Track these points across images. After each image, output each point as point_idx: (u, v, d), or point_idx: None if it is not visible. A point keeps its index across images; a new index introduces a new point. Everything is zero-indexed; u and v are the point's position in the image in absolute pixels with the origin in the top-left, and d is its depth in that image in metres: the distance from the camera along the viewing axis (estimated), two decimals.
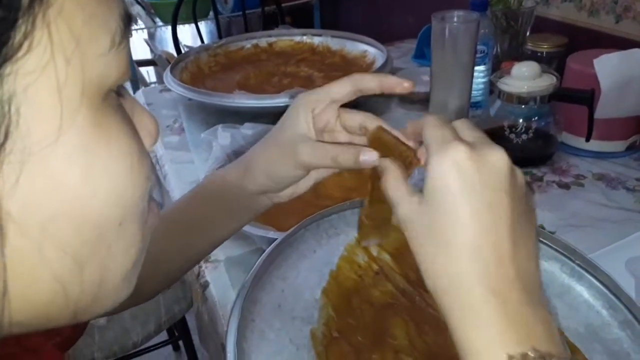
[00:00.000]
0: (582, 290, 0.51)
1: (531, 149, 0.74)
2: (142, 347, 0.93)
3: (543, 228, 0.61)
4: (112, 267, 0.21)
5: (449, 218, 0.27)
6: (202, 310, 0.61)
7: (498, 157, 0.28)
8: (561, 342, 0.27)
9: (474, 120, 0.84)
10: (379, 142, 0.37)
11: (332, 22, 1.72)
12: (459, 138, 0.28)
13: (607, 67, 0.72)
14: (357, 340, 0.47)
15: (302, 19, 1.74)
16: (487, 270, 0.26)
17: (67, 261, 0.18)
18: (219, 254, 0.63)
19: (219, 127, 0.80)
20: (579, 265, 0.52)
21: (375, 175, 0.36)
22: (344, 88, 0.38)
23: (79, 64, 0.17)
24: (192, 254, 0.46)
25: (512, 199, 0.27)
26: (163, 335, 1.15)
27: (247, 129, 0.80)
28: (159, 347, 1.09)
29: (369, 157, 0.35)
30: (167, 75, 0.97)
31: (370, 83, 0.38)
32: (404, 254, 0.55)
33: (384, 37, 1.09)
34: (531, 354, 0.24)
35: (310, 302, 0.49)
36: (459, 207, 0.26)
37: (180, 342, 1.16)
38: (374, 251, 0.55)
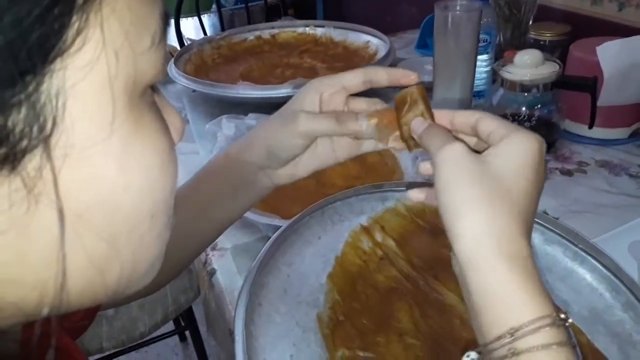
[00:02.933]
0: (585, 274, 0.52)
1: None
2: (149, 337, 0.94)
3: (546, 214, 0.61)
4: (143, 255, 0.22)
5: (515, 183, 0.29)
6: (210, 297, 0.62)
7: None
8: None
9: (479, 109, 0.85)
10: (404, 100, 0.38)
11: (335, 14, 1.72)
12: None
13: (610, 54, 0.72)
14: (362, 323, 0.47)
15: (304, 11, 1.74)
16: (517, 235, 0.28)
17: (103, 249, 0.19)
18: (225, 242, 0.64)
19: (223, 117, 0.81)
20: (582, 249, 0.53)
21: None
22: (356, 78, 0.39)
23: (124, 62, 0.18)
24: (200, 240, 0.47)
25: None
26: (170, 326, 1.16)
27: (251, 120, 0.80)
28: (165, 337, 1.11)
29: (368, 123, 0.37)
30: (172, 67, 0.97)
31: (381, 76, 0.39)
32: (408, 240, 0.56)
33: (386, 27, 1.09)
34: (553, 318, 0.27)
35: (316, 286, 0.50)
36: (530, 180, 0.29)
37: (187, 333, 1.17)
38: (378, 237, 0.56)
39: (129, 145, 0.19)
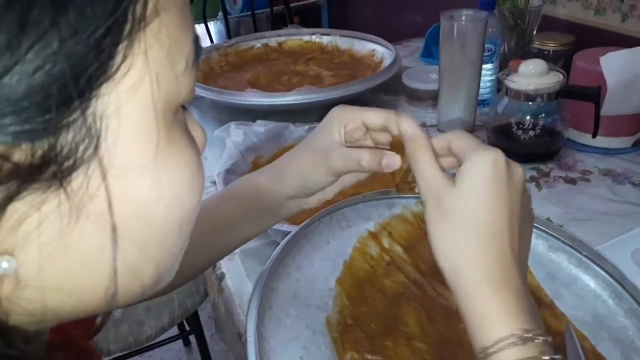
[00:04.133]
0: (589, 280, 0.52)
1: (538, 145, 0.76)
2: (154, 341, 0.95)
3: (550, 221, 0.62)
4: (167, 262, 0.23)
5: (474, 203, 0.31)
6: (219, 301, 0.63)
7: (520, 170, 0.33)
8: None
9: (482, 117, 0.86)
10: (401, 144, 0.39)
11: (340, 22, 1.73)
12: None
13: (614, 64, 0.74)
14: (371, 327, 0.48)
15: (310, 19, 1.76)
16: (490, 258, 0.31)
17: (138, 257, 0.21)
18: None
19: (232, 124, 0.82)
20: (585, 256, 0.54)
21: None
22: (378, 119, 0.40)
23: (163, 84, 0.19)
24: (217, 251, 0.48)
25: (522, 204, 0.32)
26: (174, 331, 1.17)
27: (259, 127, 0.82)
28: (170, 342, 1.11)
29: (392, 161, 0.37)
30: None
31: (402, 129, 0.36)
32: (414, 246, 0.57)
33: (390, 36, 1.10)
34: (527, 334, 0.29)
35: (325, 290, 0.51)
36: (487, 195, 0.31)
37: (192, 338, 1.17)
38: (386, 243, 0.57)
39: (163, 162, 0.20)
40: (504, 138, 0.77)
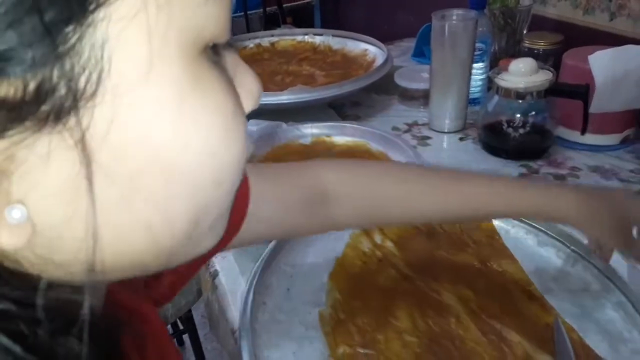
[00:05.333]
0: (578, 274, 0.53)
1: (528, 143, 0.77)
2: None
3: None
4: (204, 221, 0.21)
5: None
6: (212, 298, 0.63)
7: None
8: None
9: (473, 116, 0.87)
10: None
11: (333, 22, 1.74)
12: None
13: (602, 62, 0.75)
14: (363, 321, 0.49)
15: (303, 19, 1.76)
16: None
17: (156, 213, 0.19)
18: None
19: None
20: (574, 250, 0.55)
21: None
22: None
23: (174, 12, 0.17)
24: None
25: None
26: (168, 330, 1.17)
27: (252, 126, 0.82)
28: None
29: None
30: None
31: None
32: (406, 242, 0.58)
33: (382, 36, 1.11)
34: None
35: (318, 286, 0.51)
36: None
37: (185, 337, 1.17)
38: (378, 239, 0.57)
39: (185, 102, 0.18)
40: (494, 136, 0.78)
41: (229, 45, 0.21)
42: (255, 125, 0.83)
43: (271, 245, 0.51)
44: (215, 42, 0.19)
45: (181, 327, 1.15)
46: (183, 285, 0.40)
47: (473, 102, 0.89)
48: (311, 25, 1.77)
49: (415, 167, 0.55)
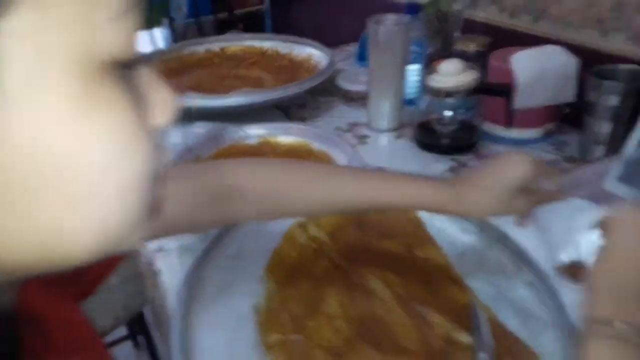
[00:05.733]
0: (495, 257, 0.58)
1: (457, 139, 0.82)
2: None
3: None
4: (112, 229, 0.22)
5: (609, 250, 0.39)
6: (155, 297, 0.65)
7: None
8: None
9: (410, 115, 0.91)
10: None
11: (283, 28, 1.77)
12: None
13: (523, 62, 0.80)
14: (295, 309, 0.52)
15: (253, 26, 1.79)
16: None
17: (62, 220, 0.20)
18: (170, 242, 0.67)
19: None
20: (492, 236, 0.59)
21: None
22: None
23: (69, 30, 0.18)
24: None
25: None
26: (123, 331, 1.17)
27: (199, 128, 0.84)
28: (118, 344, 1.11)
29: None
30: None
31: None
32: (340, 233, 0.61)
33: (330, 41, 1.15)
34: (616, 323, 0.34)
35: (255, 278, 0.54)
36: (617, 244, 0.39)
37: (141, 338, 1.18)
38: (313, 231, 0.61)
39: (81, 116, 0.19)
40: (426, 133, 0.83)
41: (144, 60, 0.22)
42: (202, 128, 0.85)
43: (209, 239, 0.54)
44: (118, 59, 0.20)
45: (133, 329, 1.15)
46: (101, 279, 0.42)
47: (410, 102, 0.94)
48: (262, 31, 1.79)
49: (314, 165, 0.60)
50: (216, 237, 0.54)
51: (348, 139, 0.90)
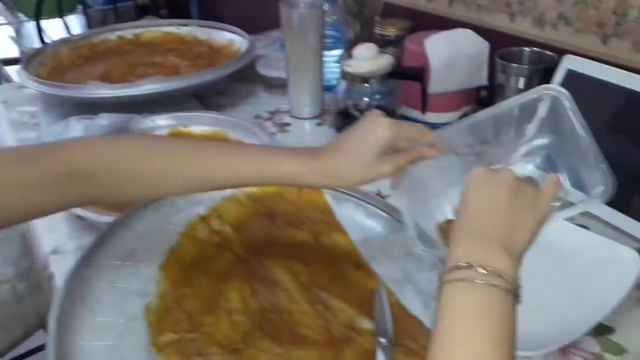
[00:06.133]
0: (401, 241, 0.57)
1: None
2: (18, 353, 0.89)
3: (380, 194, 0.67)
4: None
5: (463, 206, 0.39)
6: (51, 301, 0.61)
7: (506, 174, 0.39)
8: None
9: (331, 101, 0.90)
10: None
11: (209, 14, 1.71)
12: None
13: (436, 46, 0.81)
14: (192, 307, 0.49)
15: (178, 11, 1.71)
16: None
17: None
18: (68, 244, 0.63)
19: (72, 118, 0.79)
20: (397, 220, 0.59)
21: None
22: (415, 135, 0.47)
23: None
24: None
25: (513, 196, 0.38)
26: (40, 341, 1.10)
27: (103, 120, 0.79)
28: (35, 353, 1.05)
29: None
30: (20, 70, 0.92)
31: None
32: (245, 225, 0.59)
33: (257, 26, 1.12)
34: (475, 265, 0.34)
35: (148, 278, 0.51)
36: (472, 199, 0.39)
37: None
38: (216, 225, 0.58)
39: None
40: (345, 120, 0.82)
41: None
42: (106, 120, 0.79)
43: (93, 240, 0.50)
44: None
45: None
46: None
47: (330, 89, 0.92)
48: (187, 17, 1.73)
49: (168, 140, 0.58)
50: (101, 237, 0.51)
51: (268, 127, 0.87)
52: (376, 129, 0.44)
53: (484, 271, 0.34)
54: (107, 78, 0.97)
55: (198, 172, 0.44)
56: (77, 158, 0.42)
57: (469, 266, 0.34)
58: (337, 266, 0.55)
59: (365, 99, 0.80)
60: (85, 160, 0.42)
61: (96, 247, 0.50)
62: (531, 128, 0.49)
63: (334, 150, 0.45)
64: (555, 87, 0.46)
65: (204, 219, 0.57)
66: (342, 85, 0.81)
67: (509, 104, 0.47)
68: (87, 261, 0.48)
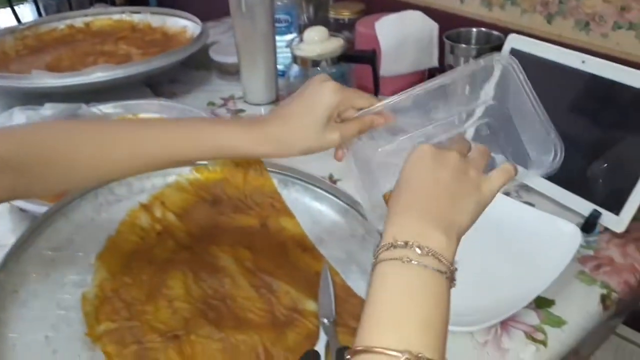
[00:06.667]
0: (347, 223, 0.58)
1: None
2: None
3: (331, 179, 0.67)
4: None
5: (404, 182, 0.37)
6: None
7: (451, 154, 0.37)
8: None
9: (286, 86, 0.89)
10: None
11: (168, 1, 1.67)
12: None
13: (386, 28, 0.80)
14: (132, 296, 0.48)
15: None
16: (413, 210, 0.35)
17: None
18: (8, 236, 0.61)
19: (15, 109, 0.76)
20: (345, 202, 0.59)
21: None
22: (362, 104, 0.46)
23: None
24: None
25: (453, 179, 0.36)
26: None
27: (47, 110, 0.77)
28: None
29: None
30: None
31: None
32: (189, 212, 0.58)
33: (216, 13, 1.09)
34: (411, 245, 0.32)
35: (85, 267, 0.50)
36: (411, 177, 0.37)
37: None
38: (158, 213, 0.57)
39: None
40: None
41: None
42: (51, 110, 0.77)
43: (25, 230, 0.49)
44: None
45: None
46: None
47: (285, 74, 0.91)
48: (145, 4, 1.68)
49: (94, 122, 0.57)
50: (34, 227, 0.49)
51: (221, 113, 0.86)
52: (322, 93, 0.43)
53: (420, 251, 0.32)
54: (55, 68, 0.94)
55: (126, 152, 0.42)
56: (4, 147, 0.40)
57: (405, 245, 0.32)
58: (284, 250, 0.55)
59: None
60: (8, 149, 0.40)
61: (30, 238, 0.49)
62: (478, 96, 0.49)
63: (278, 117, 0.44)
64: (505, 55, 0.45)
65: (145, 207, 0.56)
66: (294, 70, 0.81)
67: (457, 72, 0.46)
68: (20, 252, 0.47)
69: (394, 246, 0.33)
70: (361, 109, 0.46)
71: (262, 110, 0.87)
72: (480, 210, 0.37)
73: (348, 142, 0.46)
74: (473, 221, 0.37)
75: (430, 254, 0.32)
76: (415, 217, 0.34)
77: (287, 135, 0.43)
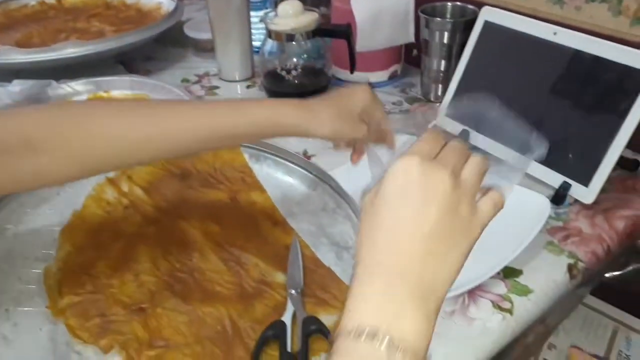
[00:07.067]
0: (318, 196, 0.57)
1: (305, 85, 0.80)
2: None
3: (306, 154, 0.67)
4: None
5: (380, 214, 0.30)
6: None
7: (440, 175, 0.30)
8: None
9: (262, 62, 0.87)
10: None
11: None
12: (424, 152, 0.31)
13: (362, 2, 0.79)
14: (97, 270, 0.48)
15: None
16: (391, 262, 0.29)
17: None
18: None
19: None
20: (316, 176, 0.59)
21: None
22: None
23: None
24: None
25: (443, 213, 0.29)
26: None
27: (16, 86, 0.75)
28: None
29: None
30: None
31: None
32: (156, 186, 0.57)
33: None
34: (382, 337, 0.26)
35: (49, 242, 0.49)
36: (392, 207, 0.29)
37: None
38: (125, 187, 0.56)
39: None
40: (274, 81, 0.80)
41: None
42: (18, 86, 0.75)
43: None
44: None
45: None
46: None
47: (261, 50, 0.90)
48: None
49: (130, 101, 0.56)
50: None
51: (196, 90, 0.85)
52: (356, 89, 0.49)
53: (390, 347, 0.26)
54: (25, 45, 0.92)
55: (190, 127, 0.42)
56: (34, 124, 0.38)
57: (373, 337, 0.26)
58: (254, 224, 0.54)
59: (294, 59, 0.78)
60: (44, 126, 0.38)
61: None
62: None
63: (324, 103, 0.47)
64: None
65: (111, 181, 0.56)
66: (269, 45, 0.79)
67: None
68: None
69: (358, 334, 0.26)
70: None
71: (238, 87, 0.86)
72: (464, 261, 0.31)
73: (366, 146, 0.51)
74: (456, 276, 0.30)
75: (401, 349, 0.26)
76: (393, 284, 0.28)
77: (322, 109, 0.46)
